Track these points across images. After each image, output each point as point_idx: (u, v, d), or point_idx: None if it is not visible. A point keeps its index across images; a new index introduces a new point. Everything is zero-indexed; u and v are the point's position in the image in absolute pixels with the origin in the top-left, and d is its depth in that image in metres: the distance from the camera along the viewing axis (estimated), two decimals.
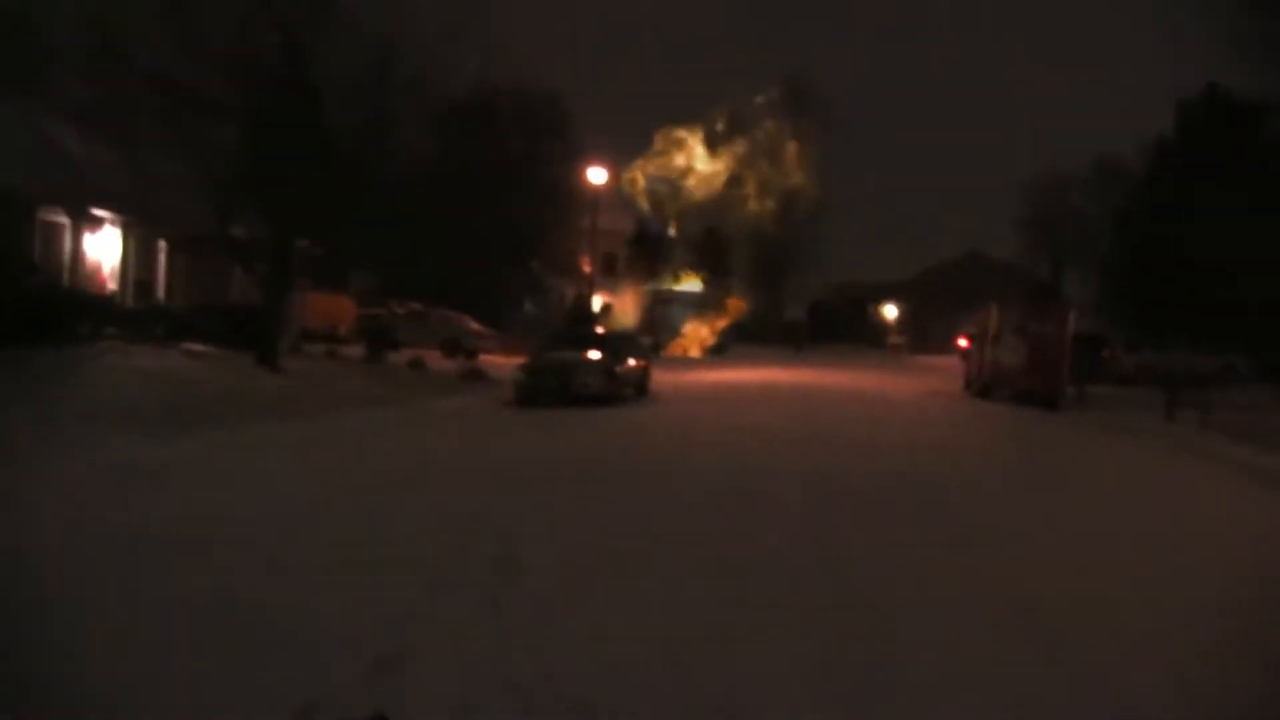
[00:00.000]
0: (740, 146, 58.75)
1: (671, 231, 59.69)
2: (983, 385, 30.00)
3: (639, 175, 57.72)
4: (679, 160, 58.01)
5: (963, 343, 36.00)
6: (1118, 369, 35.87)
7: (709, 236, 61.33)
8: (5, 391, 11.54)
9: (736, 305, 59.34)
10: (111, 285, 26.74)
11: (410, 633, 5.55)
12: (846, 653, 5.62)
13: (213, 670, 4.77)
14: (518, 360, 27.03)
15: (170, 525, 8.62)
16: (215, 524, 8.79)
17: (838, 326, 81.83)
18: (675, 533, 8.99)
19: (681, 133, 57.86)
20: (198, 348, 22.42)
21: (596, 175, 42.72)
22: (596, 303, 48.47)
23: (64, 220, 24.86)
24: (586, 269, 50.23)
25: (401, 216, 25.29)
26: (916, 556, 8.35)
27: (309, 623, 5.76)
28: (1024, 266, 70.14)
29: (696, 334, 57.20)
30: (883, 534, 9.37)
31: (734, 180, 59.26)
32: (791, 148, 59.25)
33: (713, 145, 58.56)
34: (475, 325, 40.12)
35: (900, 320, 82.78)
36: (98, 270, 26.27)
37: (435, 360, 31.52)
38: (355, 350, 31.16)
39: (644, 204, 58.69)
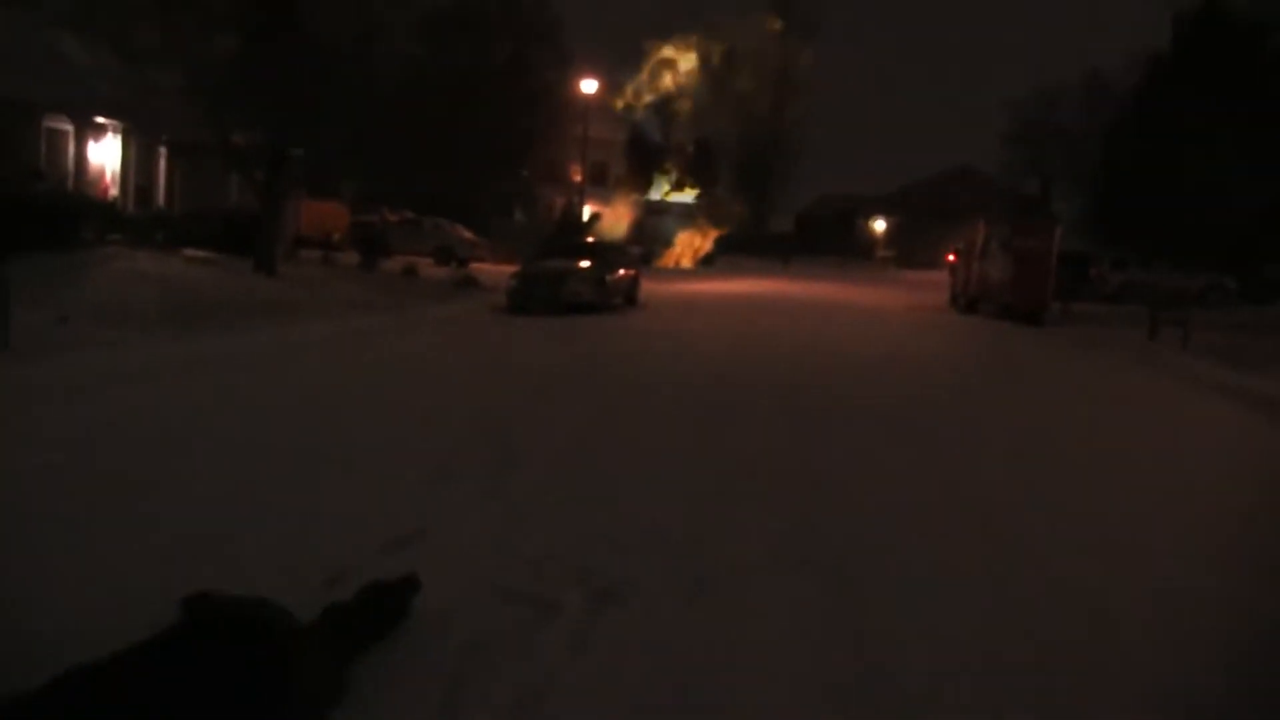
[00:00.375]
0: (729, 56, 58.76)
1: (664, 141, 59.84)
2: (968, 300, 30.46)
3: (631, 92, 57.82)
4: (667, 79, 58.13)
5: (951, 258, 36.27)
6: (1103, 287, 36.00)
7: (698, 148, 61.47)
8: (20, 293, 12.02)
9: (726, 216, 59.68)
10: (113, 191, 27.15)
11: (420, 516, 6.17)
12: (816, 534, 6.28)
13: (238, 551, 5.38)
14: (508, 268, 27.51)
15: (202, 413, 9.38)
16: (232, 413, 9.46)
17: (825, 239, 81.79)
18: (661, 430, 9.62)
19: (669, 51, 57.94)
20: (197, 253, 22.89)
21: (587, 85, 42.83)
22: (586, 213, 48.77)
23: (68, 127, 25.22)
24: (576, 178, 50.44)
25: (391, 124, 25.53)
26: (888, 455, 9.01)
27: (326, 504, 6.41)
28: (1013, 183, 70.13)
29: (687, 245, 57.56)
30: (856, 432, 10.01)
31: (723, 89, 59.32)
32: (779, 55, 59.27)
33: (703, 57, 58.57)
34: (467, 233, 40.47)
35: (888, 234, 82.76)
36: (100, 176, 26.68)
37: (427, 268, 31.95)
38: (349, 257, 31.61)
39: (638, 116, 58.87)
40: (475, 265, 35.57)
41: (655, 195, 59.12)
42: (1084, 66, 61.65)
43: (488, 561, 5.37)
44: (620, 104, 57.57)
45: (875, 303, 32.56)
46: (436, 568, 4.89)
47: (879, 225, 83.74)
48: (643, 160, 58.25)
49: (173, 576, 4.42)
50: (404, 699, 3.77)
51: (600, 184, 56.35)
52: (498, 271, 31.76)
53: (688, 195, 59.71)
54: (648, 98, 59.69)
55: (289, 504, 6.38)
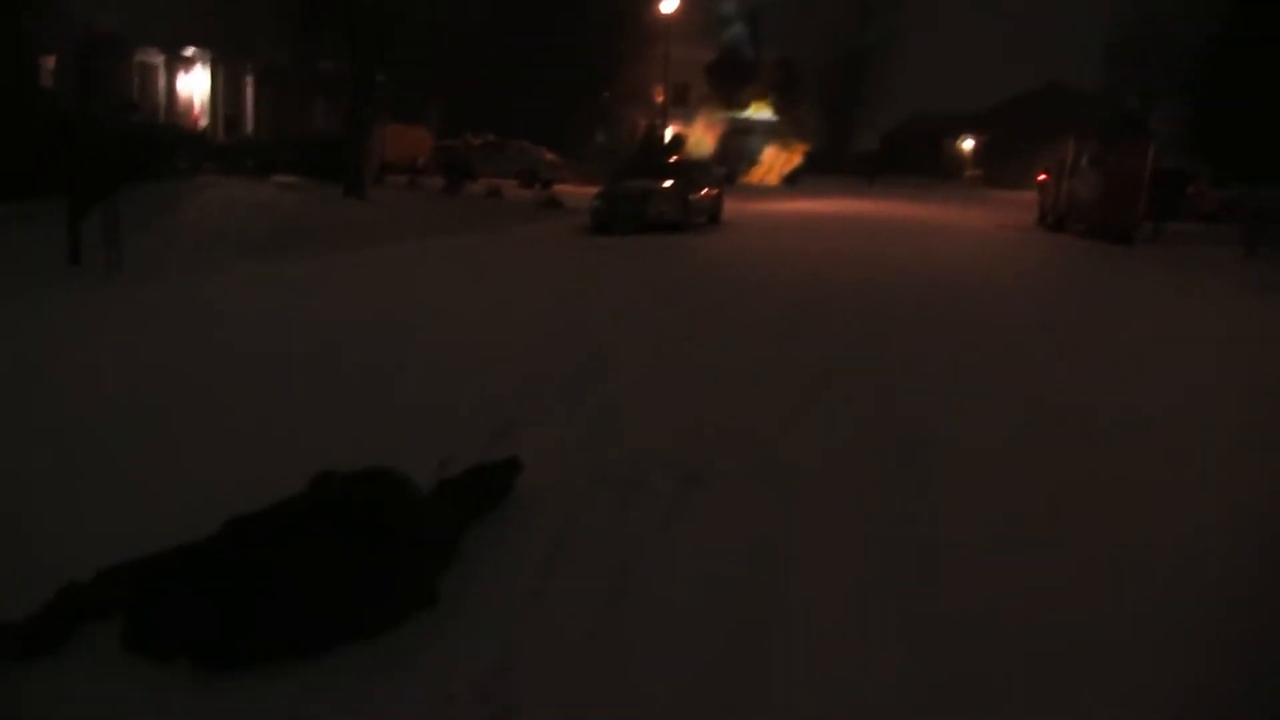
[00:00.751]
0: None
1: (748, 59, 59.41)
2: (1056, 218, 29.93)
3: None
4: None
5: (1041, 177, 35.51)
6: (1201, 205, 34.71)
7: (783, 65, 60.90)
8: (126, 221, 12.54)
9: (810, 135, 59.27)
10: (203, 121, 27.78)
11: (520, 410, 6.54)
12: (883, 427, 6.57)
13: (359, 437, 5.76)
14: (591, 189, 27.66)
15: (326, 324, 9.94)
16: (356, 319, 9.94)
17: (912, 159, 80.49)
18: (744, 339, 9.95)
19: None
20: (286, 179, 23.44)
21: (667, 4, 42.60)
22: (668, 133, 48.72)
23: (158, 60, 25.82)
24: (659, 99, 50.31)
25: (474, 47, 25.78)
26: (965, 365, 9.22)
27: (432, 402, 6.81)
28: (1110, 99, 68.00)
29: (771, 164, 57.24)
30: (937, 344, 10.19)
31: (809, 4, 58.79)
32: None
33: None
34: (550, 155, 40.66)
35: (976, 153, 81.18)
36: (190, 107, 27.32)
37: (511, 190, 32.29)
38: (434, 181, 32.03)
39: (723, 34, 58.46)
40: (558, 187, 35.79)
41: (739, 114, 58.69)
42: None
43: (583, 451, 5.73)
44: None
45: (960, 221, 32.28)
46: (536, 455, 5.23)
47: (967, 144, 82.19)
48: (726, 79, 57.83)
49: (301, 452, 4.80)
50: (508, 562, 4.15)
51: (682, 104, 56.05)
52: (581, 193, 31.99)
53: (770, 113, 59.23)
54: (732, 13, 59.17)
55: (403, 401, 6.82)
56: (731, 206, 29.39)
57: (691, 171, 27.38)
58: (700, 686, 3.33)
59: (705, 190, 26.09)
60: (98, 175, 12.80)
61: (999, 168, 71.55)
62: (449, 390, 7.20)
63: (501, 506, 4.67)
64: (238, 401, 6.70)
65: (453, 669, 3.29)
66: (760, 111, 59.23)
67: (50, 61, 22.73)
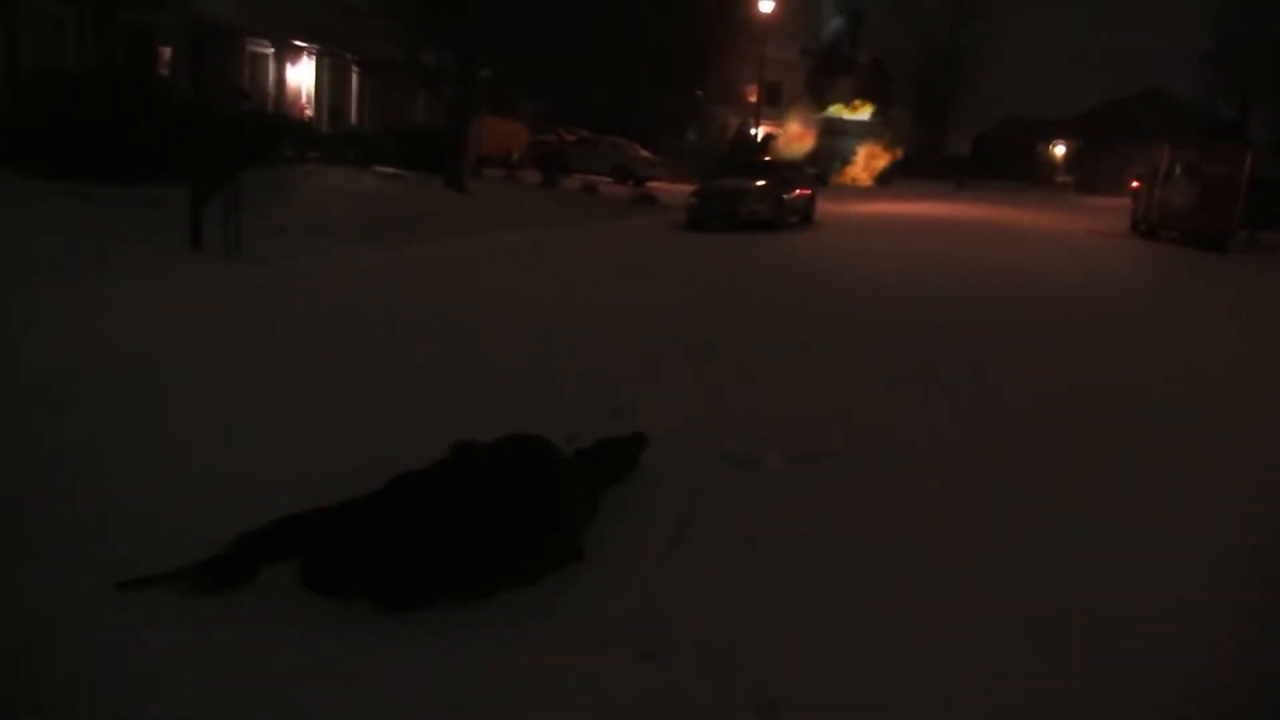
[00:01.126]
0: None
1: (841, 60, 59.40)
2: (1149, 226, 29.64)
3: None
4: None
5: (1134, 184, 35.01)
6: None
7: (875, 67, 60.75)
8: (232, 206, 13.04)
9: (901, 137, 59.01)
10: (309, 111, 28.50)
11: (633, 392, 6.85)
12: (981, 412, 6.79)
13: (485, 410, 6.10)
14: (682, 187, 27.95)
15: (438, 307, 10.33)
16: (469, 306, 10.36)
17: (1003, 162, 79.65)
18: (838, 332, 10.23)
19: None
20: (387, 169, 24.00)
21: (765, 4, 42.75)
22: (760, 133, 48.84)
23: (268, 50, 26.54)
24: (751, 98, 50.44)
25: (571, 43, 26.05)
26: (1053, 363, 9.38)
27: (548, 382, 7.16)
28: (1207, 106, 66.81)
29: (863, 165, 57.10)
30: (1028, 345, 10.34)
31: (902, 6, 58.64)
32: None
33: None
34: (644, 152, 40.97)
35: (1069, 158, 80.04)
36: (297, 97, 28.05)
37: (605, 186, 32.67)
38: (529, 175, 32.53)
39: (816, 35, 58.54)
40: (651, 183, 36.11)
41: (832, 114, 58.58)
42: None
43: (698, 430, 6.04)
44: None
45: (1052, 227, 32.06)
46: (654, 433, 5.50)
47: (1059, 149, 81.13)
48: (821, 79, 57.87)
49: (431, 423, 5.16)
50: (643, 524, 4.49)
51: (775, 103, 56.11)
52: (673, 190, 32.31)
53: (864, 114, 59.05)
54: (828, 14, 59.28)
55: (519, 381, 7.18)
56: (823, 207, 29.50)
57: (785, 171, 27.57)
58: (828, 627, 3.67)
59: (798, 190, 26.27)
60: (219, 162, 13.31)
61: (1091, 174, 70.36)
62: (565, 371, 7.56)
63: (629, 478, 4.98)
64: (370, 374, 7.11)
65: (602, 613, 3.61)
66: (855, 113, 59.03)
67: (166, 52, 23.49)
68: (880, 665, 3.43)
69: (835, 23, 59.88)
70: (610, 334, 9.24)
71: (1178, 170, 27.88)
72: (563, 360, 7.97)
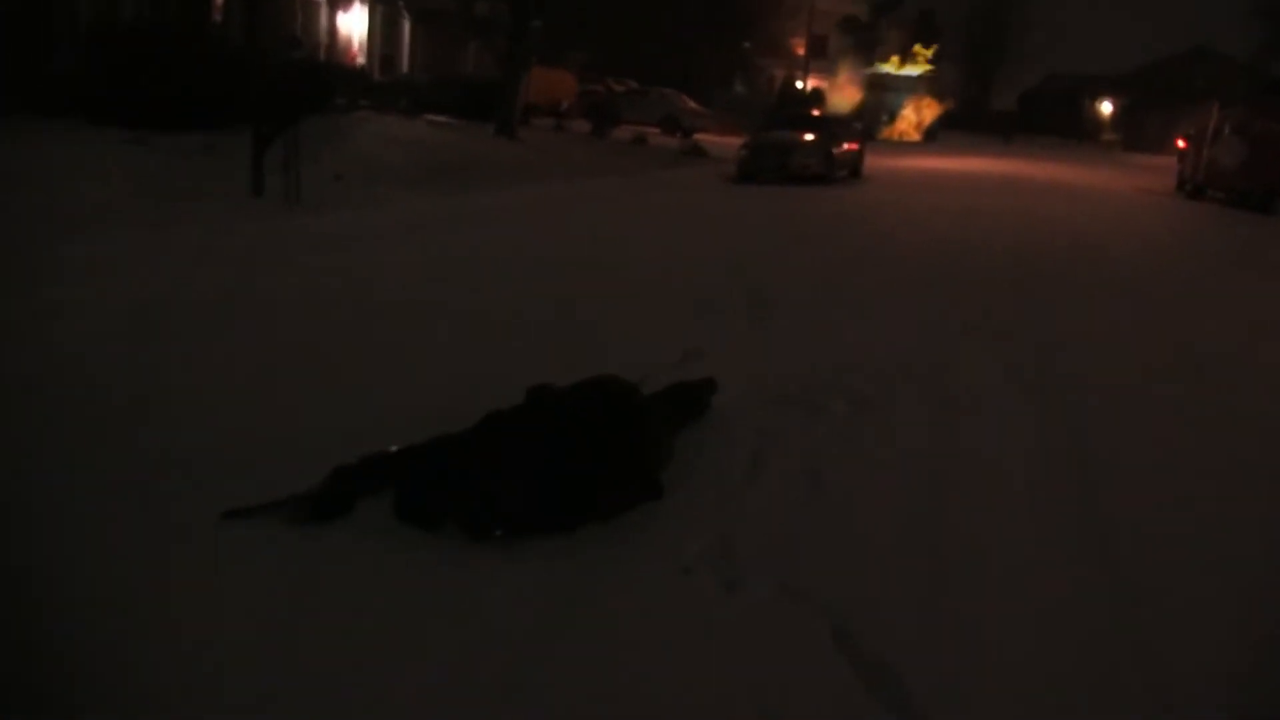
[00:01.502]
0: None
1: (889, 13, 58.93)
2: (1195, 185, 29.27)
3: None
4: None
5: (1181, 143, 34.60)
6: None
7: (923, 20, 60.22)
8: (292, 154, 13.21)
9: (949, 92, 58.54)
10: (360, 59, 28.64)
11: (699, 339, 7.00)
12: (1034, 364, 6.88)
13: (560, 355, 6.27)
14: (730, 139, 27.91)
15: (507, 251, 10.64)
16: (531, 252, 10.54)
17: (1049, 119, 78.93)
18: (893, 283, 10.30)
19: None
20: (438, 118, 24.14)
21: None
22: (806, 86, 48.60)
23: None
24: (799, 51, 50.18)
25: None
26: (1106, 317, 9.43)
27: (617, 328, 7.34)
28: (1259, 64, 65.81)
29: (910, 120, 56.76)
30: (1078, 300, 10.36)
31: None
32: None
33: None
34: (692, 104, 40.90)
35: (1115, 116, 79.18)
36: (349, 45, 28.18)
37: (655, 137, 32.69)
38: (579, 125, 32.58)
39: None
40: (699, 135, 36.06)
41: (879, 68, 58.20)
42: None
43: (762, 376, 6.18)
44: None
45: (1098, 184, 31.79)
46: (721, 379, 5.64)
47: (1106, 107, 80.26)
48: (867, 33, 57.43)
49: (514, 370, 5.33)
50: (715, 465, 4.65)
51: (822, 56, 55.75)
52: (720, 142, 32.28)
53: (912, 69, 58.59)
54: None
55: (587, 328, 7.38)
56: (872, 161, 29.40)
57: (834, 125, 27.50)
58: (901, 554, 3.85)
59: (847, 144, 26.20)
60: (277, 110, 13.47)
61: (1137, 132, 69.61)
62: (632, 317, 7.76)
63: (701, 421, 5.13)
64: (449, 323, 7.32)
65: (683, 547, 3.76)
66: (908, 67, 58.57)
67: (219, 0, 23.65)
68: (951, 581, 3.61)
69: None
70: (671, 284, 9.38)
71: (1226, 129, 27.50)
72: (627, 308, 8.14)
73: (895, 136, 54.01)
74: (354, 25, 28.39)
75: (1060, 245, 14.58)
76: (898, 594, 3.54)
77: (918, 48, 58.44)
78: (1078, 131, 76.87)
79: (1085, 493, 4.59)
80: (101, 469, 4.17)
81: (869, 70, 57.07)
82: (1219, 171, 27.39)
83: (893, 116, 56.49)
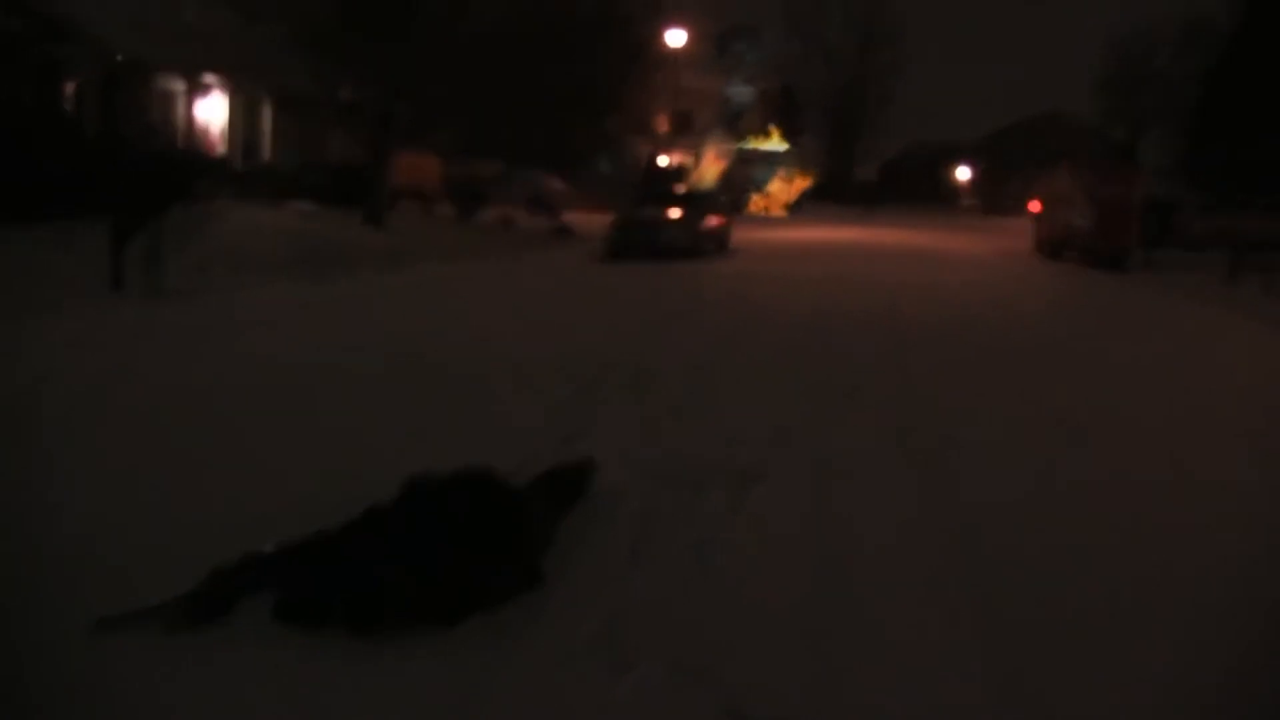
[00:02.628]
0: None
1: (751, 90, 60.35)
2: (1052, 246, 30.40)
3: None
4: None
5: (1035, 206, 35.85)
6: (1190, 233, 35.22)
7: (784, 96, 61.61)
8: (155, 245, 12.95)
9: (812, 164, 59.97)
10: (221, 147, 28.23)
11: (579, 420, 7.01)
12: (910, 434, 7.00)
13: (435, 445, 6.17)
14: (597, 216, 28.14)
15: (377, 337, 10.40)
16: (402, 339, 10.38)
17: (910, 187, 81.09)
18: (763, 354, 10.52)
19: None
20: (305, 205, 23.84)
21: (675, 37, 43.24)
22: (669, 162, 49.27)
23: (179, 85, 26.27)
24: (663, 128, 50.87)
25: (485, 76, 26.13)
26: (970, 378, 9.65)
27: (500, 412, 7.29)
28: (1103, 129, 68.94)
29: (775, 193, 57.82)
30: (947, 366, 10.57)
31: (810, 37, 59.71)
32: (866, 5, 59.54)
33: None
34: (558, 183, 41.08)
35: (973, 181, 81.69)
36: (209, 132, 27.77)
37: (522, 218, 32.79)
38: (445, 208, 32.52)
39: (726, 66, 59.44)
40: (567, 215, 36.18)
41: (744, 144, 59.31)
42: (1182, 8, 60.26)
43: (642, 455, 6.18)
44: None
45: (959, 249, 32.77)
46: (601, 459, 5.62)
47: (963, 173, 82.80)
48: (731, 109, 58.63)
49: (384, 464, 5.24)
50: (601, 546, 4.67)
51: (688, 132, 56.53)
52: (587, 220, 32.47)
53: (776, 144, 59.85)
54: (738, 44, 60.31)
55: (467, 406, 7.38)
56: (738, 234, 29.86)
57: (700, 201, 27.95)
58: (790, 630, 3.87)
59: (714, 219, 26.60)
60: (137, 201, 13.18)
61: (995, 195, 71.96)
62: (505, 401, 7.72)
63: (582, 503, 5.12)
64: (316, 409, 7.20)
65: (571, 634, 3.73)
66: (766, 143, 59.82)
67: (71, 87, 23.17)
68: (840, 656, 3.63)
69: (740, 56, 60.98)
70: (547, 366, 9.32)
71: (1077, 192, 28.66)
72: (501, 391, 8.09)
73: (761, 210, 54.91)
74: (214, 112, 28.00)
75: (925, 312, 14.91)
76: (788, 670, 3.55)
77: (772, 127, 59.79)
78: (938, 197, 79.08)
79: (967, 557, 4.67)
80: None
81: (735, 145, 58.11)
82: (1072, 232, 28.51)
83: (758, 190, 57.45)
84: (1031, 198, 36.98)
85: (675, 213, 24.70)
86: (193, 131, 27.09)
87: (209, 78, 27.13)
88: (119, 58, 23.36)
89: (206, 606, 3.75)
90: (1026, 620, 4.03)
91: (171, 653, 3.52)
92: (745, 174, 57.39)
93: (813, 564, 4.54)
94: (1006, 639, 3.86)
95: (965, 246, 34.03)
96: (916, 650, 3.74)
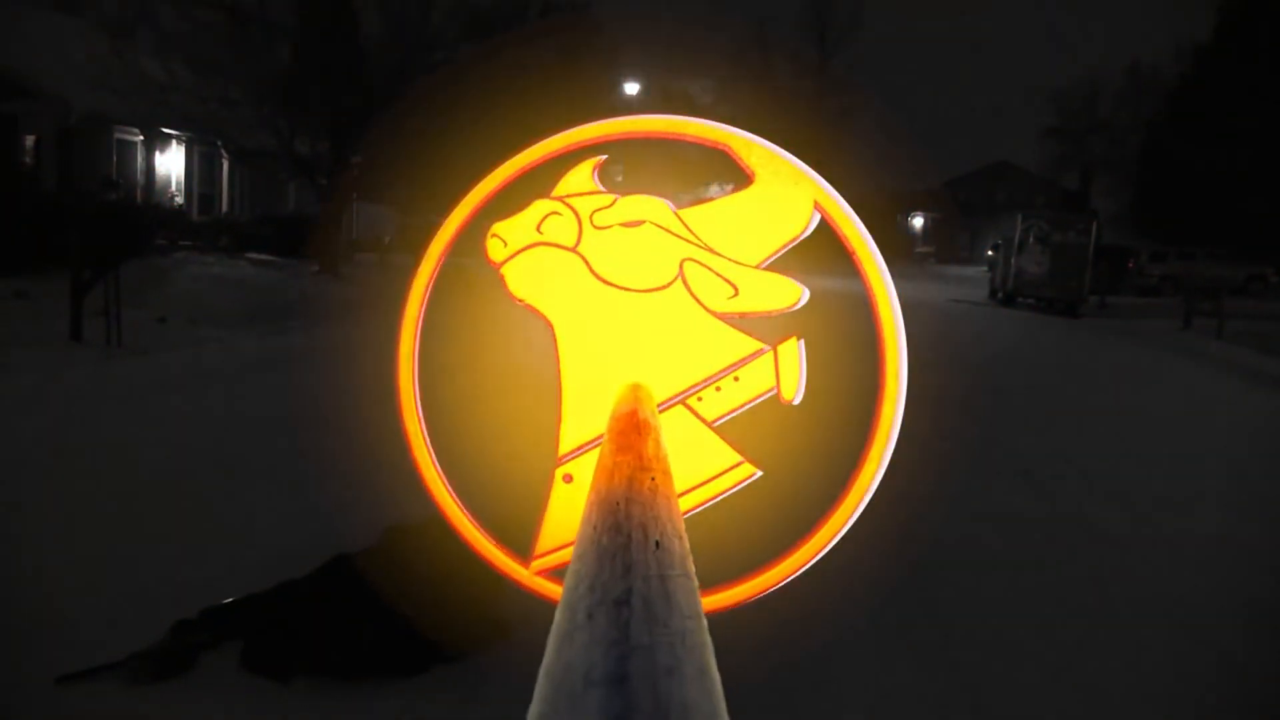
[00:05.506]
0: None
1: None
2: (1007, 294, 30.81)
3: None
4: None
5: (990, 253, 36.29)
6: (1142, 279, 35.99)
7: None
8: (113, 297, 12.92)
9: None
10: (179, 199, 28.26)
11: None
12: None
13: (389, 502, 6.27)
14: None
15: (334, 391, 10.30)
16: (363, 391, 10.41)
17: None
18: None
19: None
20: (260, 256, 23.92)
21: (630, 87, 43.66)
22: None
23: (137, 138, 26.32)
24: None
25: (438, 128, 26.30)
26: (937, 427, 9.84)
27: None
28: (1053, 177, 69.82)
29: None
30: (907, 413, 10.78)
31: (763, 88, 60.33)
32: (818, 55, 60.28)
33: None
34: None
35: (926, 230, 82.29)
36: (166, 185, 27.80)
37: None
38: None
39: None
40: None
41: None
42: (1127, 59, 61.64)
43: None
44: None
45: (915, 296, 33.06)
46: None
47: (917, 221, 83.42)
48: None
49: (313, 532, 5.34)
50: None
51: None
52: None
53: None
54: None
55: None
56: None
57: None
58: (764, 664, 3.88)
59: None
60: (95, 254, 13.18)
61: (949, 243, 72.62)
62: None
63: None
64: (279, 470, 7.21)
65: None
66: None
67: (30, 140, 23.19)
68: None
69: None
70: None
71: (1031, 240, 29.12)
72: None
73: None
74: (171, 165, 28.05)
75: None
76: (771, 705, 3.67)
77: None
78: (892, 246, 79.38)
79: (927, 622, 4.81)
80: None
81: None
82: (1027, 280, 28.99)
83: None
84: (987, 246, 37.53)
85: None
86: (151, 184, 27.13)
87: (166, 130, 27.19)
88: (76, 112, 23.40)
89: (172, 658, 3.82)
90: None
91: (136, 708, 3.59)
92: None
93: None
94: None
95: (920, 294, 34.28)
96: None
